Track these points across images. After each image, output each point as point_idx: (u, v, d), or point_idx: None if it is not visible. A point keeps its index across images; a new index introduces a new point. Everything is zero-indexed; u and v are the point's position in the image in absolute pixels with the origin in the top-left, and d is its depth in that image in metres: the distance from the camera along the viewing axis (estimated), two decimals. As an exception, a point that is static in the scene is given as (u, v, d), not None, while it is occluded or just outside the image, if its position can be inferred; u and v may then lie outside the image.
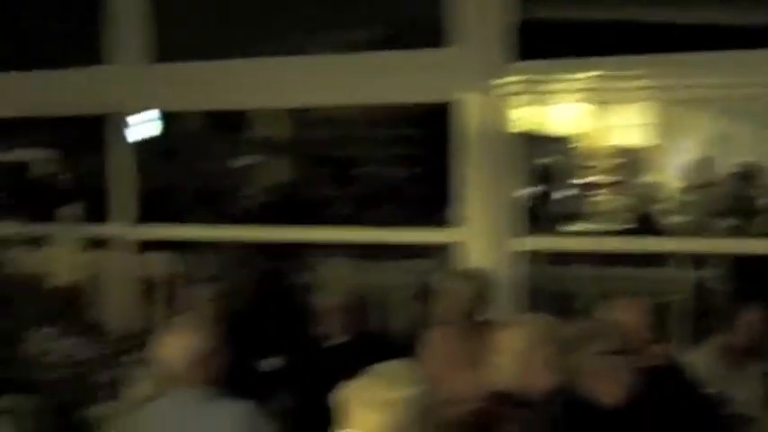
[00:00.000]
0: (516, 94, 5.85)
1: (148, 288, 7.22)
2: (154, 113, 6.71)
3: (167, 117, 10.70)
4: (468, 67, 5.88)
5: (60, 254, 7.64)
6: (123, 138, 6.83)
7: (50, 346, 5.62)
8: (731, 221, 9.32)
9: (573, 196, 11.08)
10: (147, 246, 6.70)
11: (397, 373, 3.10)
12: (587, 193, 11.13)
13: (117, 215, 6.32)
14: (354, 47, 6.60)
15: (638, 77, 5.67)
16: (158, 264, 7.33)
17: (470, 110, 5.88)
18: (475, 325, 5.09)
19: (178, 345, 3.97)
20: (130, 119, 6.71)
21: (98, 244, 7.43)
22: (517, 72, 5.84)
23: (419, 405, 3.01)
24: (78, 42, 6.68)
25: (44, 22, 7.70)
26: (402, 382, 3.05)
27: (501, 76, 5.83)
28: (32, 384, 4.10)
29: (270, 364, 5.52)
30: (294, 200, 10.71)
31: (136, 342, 5.74)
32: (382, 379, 3.05)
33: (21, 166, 13.88)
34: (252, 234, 7.12)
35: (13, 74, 6.70)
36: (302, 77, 6.12)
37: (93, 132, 11.15)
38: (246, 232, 7.21)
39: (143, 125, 6.54)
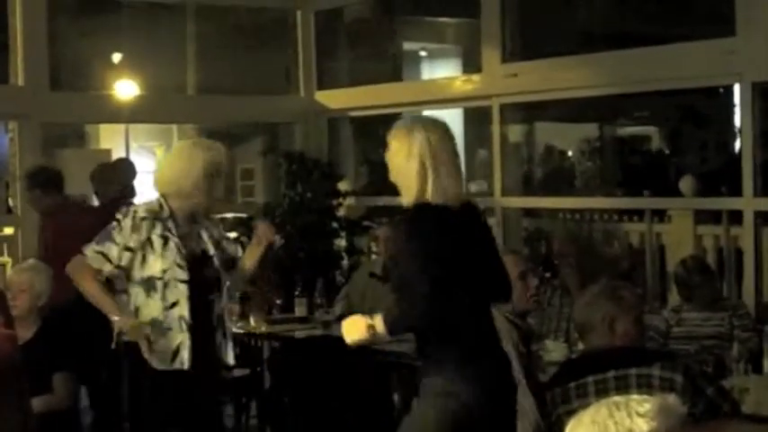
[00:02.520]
0: None
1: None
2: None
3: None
4: None
5: (676, 227, 7.75)
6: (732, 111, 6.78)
7: (676, 319, 5.75)
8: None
9: None
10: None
11: None
12: None
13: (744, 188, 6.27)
14: None
15: None
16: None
17: None
18: None
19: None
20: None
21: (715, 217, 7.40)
22: None
23: None
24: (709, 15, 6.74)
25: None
26: None
27: None
28: (670, 356, 4.21)
29: None
30: None
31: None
32: None
33: (634, 141, 14.24)
34: None
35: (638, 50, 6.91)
36: None
37: (694, 107, 11.12)
38: None
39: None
